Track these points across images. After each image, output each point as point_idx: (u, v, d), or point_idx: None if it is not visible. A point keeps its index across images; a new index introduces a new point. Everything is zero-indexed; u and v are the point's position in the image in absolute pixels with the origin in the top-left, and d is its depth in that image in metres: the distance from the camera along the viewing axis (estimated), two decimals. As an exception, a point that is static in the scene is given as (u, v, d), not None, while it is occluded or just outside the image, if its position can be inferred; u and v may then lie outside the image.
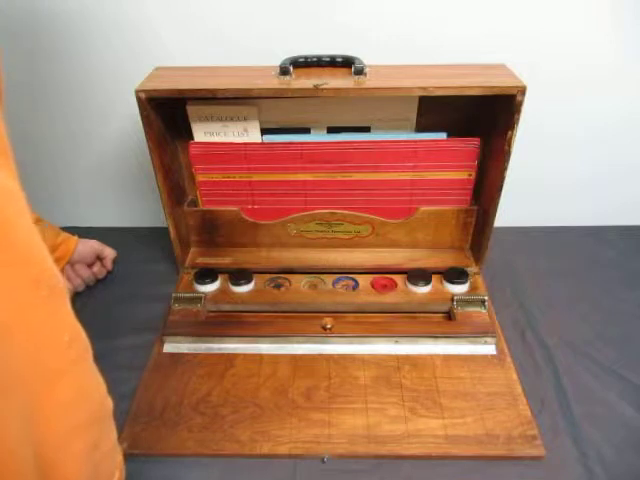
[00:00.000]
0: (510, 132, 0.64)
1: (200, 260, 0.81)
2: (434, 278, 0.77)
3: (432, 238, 0.80)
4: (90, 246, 0.79)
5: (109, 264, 0.83)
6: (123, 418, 0.60)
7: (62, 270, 0.75)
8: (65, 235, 0.76)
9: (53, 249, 0.72)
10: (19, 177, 0.27)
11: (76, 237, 0.77)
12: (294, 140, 0.72)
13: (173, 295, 0.74)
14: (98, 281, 0.83)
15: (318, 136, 0.73)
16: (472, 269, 0.78)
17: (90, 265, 0.81)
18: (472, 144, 0.71)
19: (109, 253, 0.83)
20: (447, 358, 0.67)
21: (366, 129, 0.73)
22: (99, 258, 0.82)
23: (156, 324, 0.73)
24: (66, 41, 0.77)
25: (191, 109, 0.70)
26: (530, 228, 0.94)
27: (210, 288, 0.77)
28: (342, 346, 0.69)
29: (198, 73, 0.67)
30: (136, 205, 0.96)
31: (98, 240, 0.81)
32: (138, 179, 0.92)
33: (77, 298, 0.79)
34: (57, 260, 0.73)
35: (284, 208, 0.78)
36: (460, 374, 0.65)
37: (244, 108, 0.69)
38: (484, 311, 0.72)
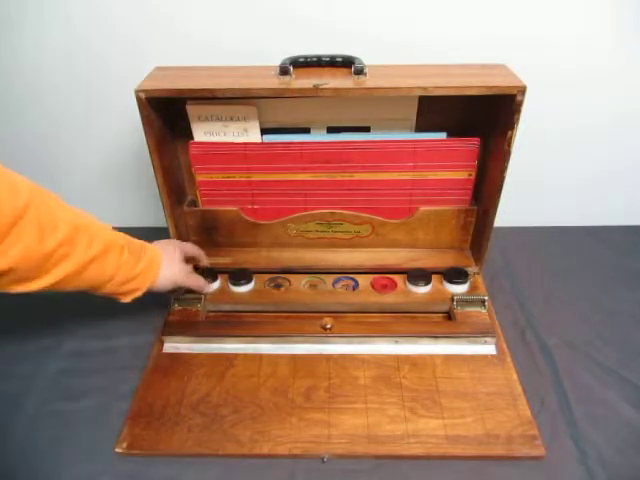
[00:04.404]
0: (510, 132, 0.64)
1: (200, 260, 0.81)
2: (434, 278, 0.77)
3: (432, 238, 0.80)
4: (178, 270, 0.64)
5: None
6: (123, 418, 0.61)
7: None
8: (146, 261, 0.58)
9: (128, 280, 0.57)
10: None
11: (159, 259, 0.60)
12: (294, 140, 0.71)
13: (173, 295, 0.74)
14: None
15: (318, 136, 0.73)
16: (472, 269, 0.78)
17: None
18: (472, 144, 0.71)
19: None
20: (447, 358, 0.67)
21: (366, 129, 0.73)
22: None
23: (156, 324, 0.73)
24: (67, 41, 0.77)
25: (191, 109, 0.70)
26: (530, 228, 0.94)
27: (210, 288, 0.77)
28: (342, 346, 0.69)
29: (198, 73, 0.67)
30: (136, 205, 0.96)
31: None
32: (138, 179, 0.92)
33: (77, 298, 0.79)
34: (125, 294, 0.59)
35: (284, 208, 0.78)
36: (460, 374, 0.65)
37: (244, 108, 0.69)
38: (484, 311, 0.72)
